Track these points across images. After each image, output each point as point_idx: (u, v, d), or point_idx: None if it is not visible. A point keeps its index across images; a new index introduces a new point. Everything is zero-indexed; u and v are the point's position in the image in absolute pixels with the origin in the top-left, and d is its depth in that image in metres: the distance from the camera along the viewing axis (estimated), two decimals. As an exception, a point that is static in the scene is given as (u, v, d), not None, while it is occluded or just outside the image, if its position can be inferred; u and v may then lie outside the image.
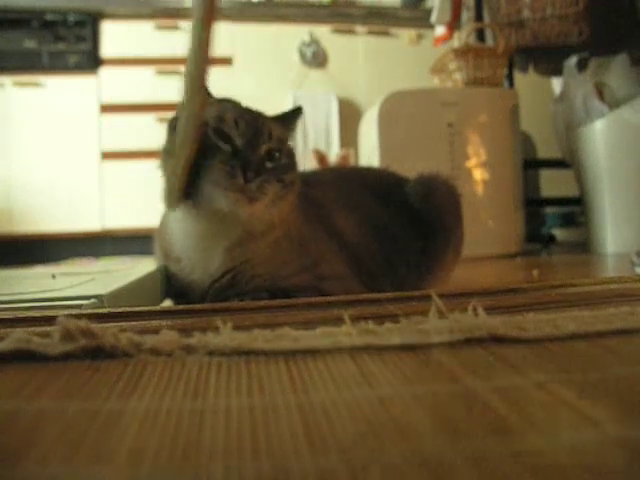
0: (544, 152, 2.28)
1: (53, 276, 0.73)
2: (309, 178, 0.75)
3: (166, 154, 0.59)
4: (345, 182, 0.79)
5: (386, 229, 0.75)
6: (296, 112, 0.66)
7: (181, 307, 0.50)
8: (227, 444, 0.21)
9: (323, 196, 0.72)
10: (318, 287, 0.61)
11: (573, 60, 1.81)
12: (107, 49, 2.62)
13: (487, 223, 1.61)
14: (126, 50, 2.63)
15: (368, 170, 0.97)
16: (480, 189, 1.62)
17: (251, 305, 0.48)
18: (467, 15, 1.97)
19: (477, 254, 1.44)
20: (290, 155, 0.62)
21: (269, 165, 0.57)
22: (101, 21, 2.62)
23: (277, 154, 0.59)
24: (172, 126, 0.59)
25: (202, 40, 0.51)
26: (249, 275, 0.59)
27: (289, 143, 0.63)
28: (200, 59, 0.53)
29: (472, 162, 1.61)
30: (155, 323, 0.40)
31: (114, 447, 0.21)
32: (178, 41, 2.90)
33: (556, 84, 2.12)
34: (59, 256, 2.31)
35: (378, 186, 0.81)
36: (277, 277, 0.60)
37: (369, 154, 1.69)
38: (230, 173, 0.54)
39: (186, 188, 0.56)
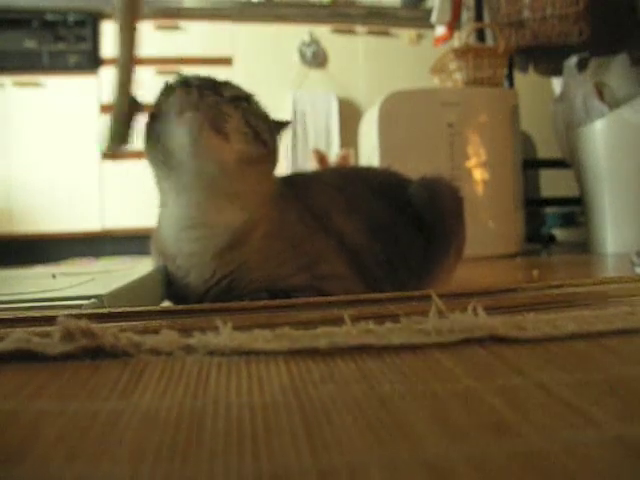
0: (544, 152, 2.28)
1: (53, 276, 0.73)
2: (309, 178, 0.74)
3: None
4: (347, 182, 0.79)
5: (388, 230, 0.74)
6: (284, 122, 0.66)
7: (181, 307, 0.50)
8: (227, 444, 0.21)
9: (323, 196, 0.71)
10: (317, 287, 0.61)
11: (573, 60, 1.81)
12: (107, 49, 2.62)
13: (487, 223, 1.61)
14: (126, 50, 2.63)
15: (369, 170, 0.97)
16: (480, 189, 1.62)
17: (251, 305, 0.48)
18: (467, 15, 1.97)
19: (477, 254, 1.44)
20: (272, 126, 0.61)
21: (234, 106, 0.56)
22: (101, 21, 2.62)
23: (244, 104, 0.57)
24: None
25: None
26: (247, 279, 0.59)
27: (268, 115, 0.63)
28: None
29: (472, 162, 1.61)
30: (155, 323, 0.40)
31: (114, 447, 0.21)
32: (178, 41, 2.89)
33: (556, 84, 2.12)
34: (59, 256, 2.31)
35: (380, 186, 0.80)
36: (275, 278, 0.60)
37: (369, 154, 1.69)
38: (186, 94, 0.54)
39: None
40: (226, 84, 0.59)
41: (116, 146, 0.61)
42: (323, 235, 0.66)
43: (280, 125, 0.65)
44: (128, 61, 0.62)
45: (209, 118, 0.53)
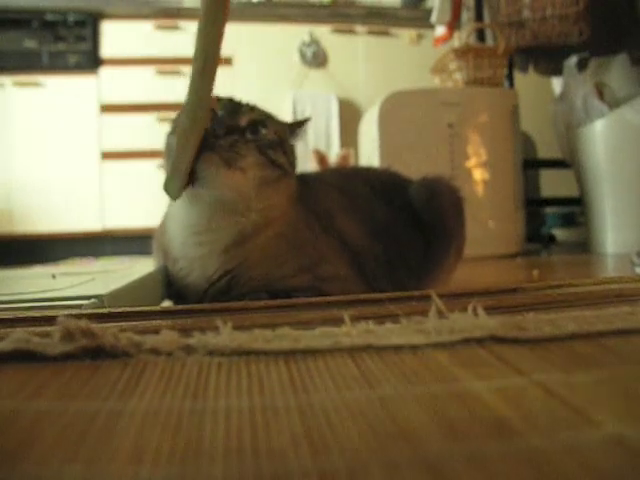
0: (544, 152, 2.28)
1: (53, 276, 0.73)
2: (312, 179, 0.75)
3: (169, 148, 0.59)
4: (348, 182, 0.79)
5: (388, 230, 0.74)
6: (303, 121, 0.67)
7: (181, 307, 0.50)
8: (227, 444, 0.21)
9: (325, 197, 0.71)
10: (318, 288, 0.61)
11: (573, 60, 1.80)
12: (107, 49, 2.62)
13: (487, 223, 1.61)
14: (126, 50, 2.63)
15: (370, 170, 0.97)
16: (480, 189, 1.62)
17: (251, 305, 0.48)
18: (467, 15, 1.97)
19: (477, 254, 1.44)
20: (286, 146, 0.62)
21: (250, 137, 0.57)
22: (101, 21, 2.62)
23: (263, 130, 0.58)
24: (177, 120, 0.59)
25: (214, 38, 0.51)
26: (246, 277, 0.59)
27: (288, 139, 0.63)
28: (211, 54, 0.52)
29: (472, 162, 1.61)
30: (155, 323, 0.40)
31: (114, 447, 0.21)
32: (178, 41, 2.90)
33: (556, 84, 2.12)
34: (59, 256, 2.31)
35: (381, 187, 0.80)
36: (274, 278, 0.60)
37: (369, 154, 1.69)
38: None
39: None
40: (245, 108, 0.59)
41: (183, 185, 0.55)
42: (326, 236, 0.66)
43: (297, 125, 0.66)
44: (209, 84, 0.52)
45: (224, 159, 0.54)
